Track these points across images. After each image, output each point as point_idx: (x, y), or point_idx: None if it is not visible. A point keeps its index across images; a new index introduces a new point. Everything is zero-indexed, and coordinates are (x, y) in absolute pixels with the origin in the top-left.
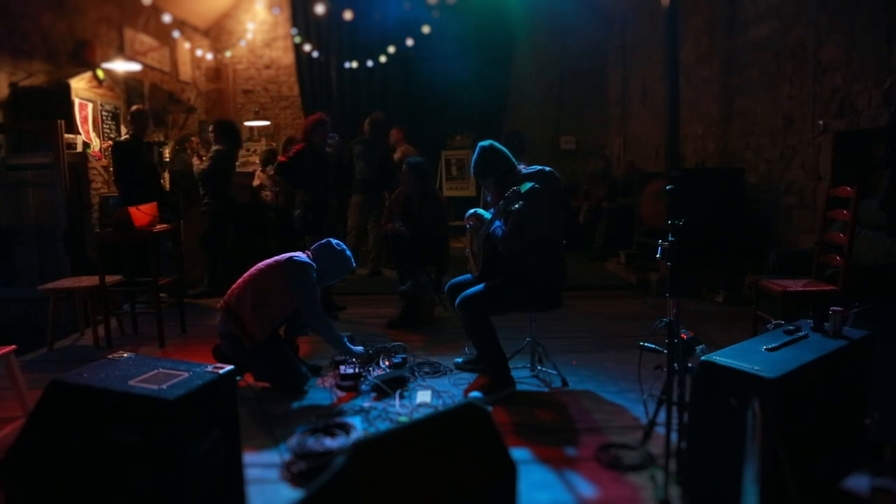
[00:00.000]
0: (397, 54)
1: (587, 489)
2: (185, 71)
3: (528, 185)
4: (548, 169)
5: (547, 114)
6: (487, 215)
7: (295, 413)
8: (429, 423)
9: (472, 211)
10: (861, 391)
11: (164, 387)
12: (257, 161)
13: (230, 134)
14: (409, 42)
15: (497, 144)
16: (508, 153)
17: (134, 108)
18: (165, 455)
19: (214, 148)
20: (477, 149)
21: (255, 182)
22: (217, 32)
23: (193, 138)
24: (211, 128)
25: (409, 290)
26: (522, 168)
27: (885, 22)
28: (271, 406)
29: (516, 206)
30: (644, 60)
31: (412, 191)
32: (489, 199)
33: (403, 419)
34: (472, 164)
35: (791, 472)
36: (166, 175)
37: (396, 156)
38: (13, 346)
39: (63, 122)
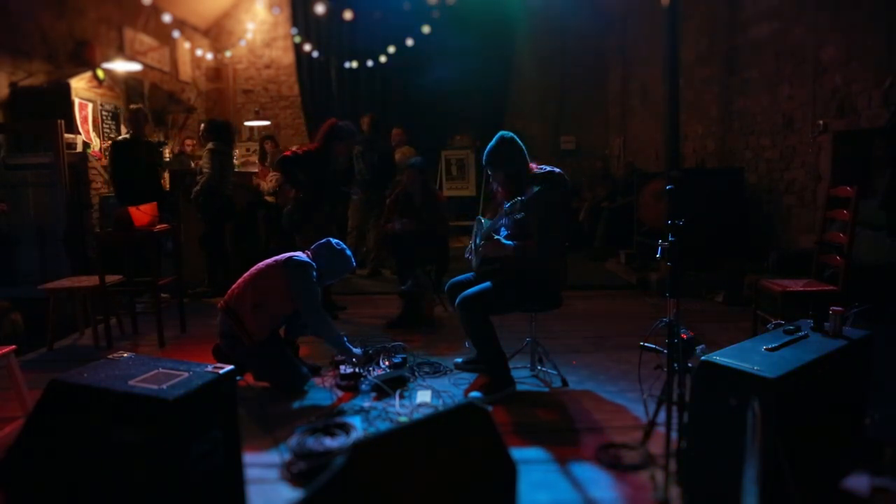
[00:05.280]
0: (397, 54)
1: (587, 489)
2: (185, 71)
3: (535, 188)
4: (557, 171)
5: (547, 114)
6: (486, 222)
7: (295, 413)
8: (429, 423)
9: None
10: (861, 391)
11: (164, 387)
12: (258, 160)
13: (220, 132)
14: (409, 42)
15: (518, 139)
16: (525, 151)
17: (130, 107)
18: (165, 455)
19: (207, 148)
20: (497, 137)
21: (270, 185)
22: (217, 32)
23: (188, 140)
24: (202, 127)
25: (409, 290)
26: (535, 167)
27: (885, 22)
28: (271, 406)
29: (518, 216)
30: (644, 60)
31: (415, 190)
32: (496, 187)
33: (403, 419)
34: (487, 152)
35: (791, 472)
36: (166, 175)
37: (396, 157)
38: (13, 346)
39: (63, 122)
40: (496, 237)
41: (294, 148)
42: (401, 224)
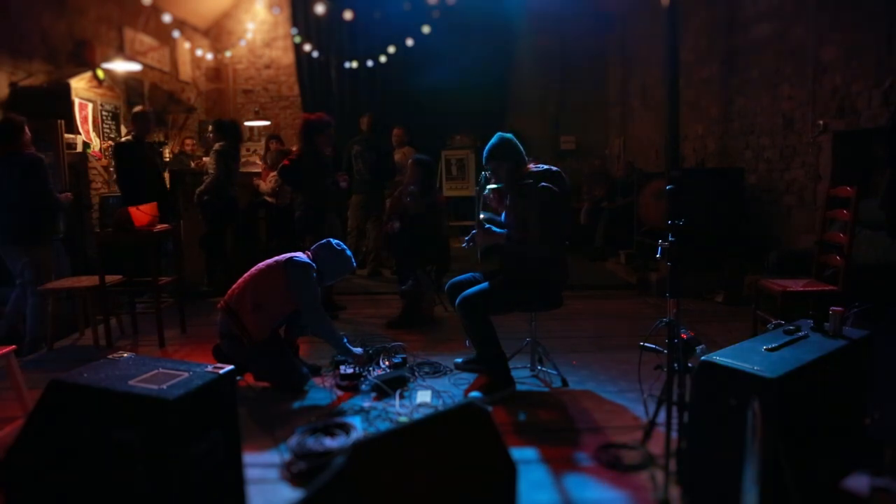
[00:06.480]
0: (397, 54)
1: (587, 489)
2: (185, 71)
3: (530, 181)
4: (555, 169)
5: (547, 114)
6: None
7: (295, 413)
8: (429, 423)
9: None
10: (861, 391)
11: (164, 387)
12: (258, 161)
13: (229, 132)
14: (409, 42)
15: (516, 139)
16: (523, 151)
17: (136, 109)
18: (165, 455)
19: (214, 149)
20: (496, 136)
21: (270, 185)
22: (217, 32)
23: (188, 140)
24: (210, 128)
25: (409, 290)
26: (532, 166)
27: (885, 22)
28: (271, 406)
29: (496, 185)
30: (644, 60)
31: (415, 184)
32: (490, 198)
33: (403, 419)
34: (488, 149)
35: (791, 472)
36: (167, 175)
37: (397, 157)
38: (13, 346)
39: (63, 122)
40: (487, 226)
41: (291, 155)
42: (408, 196)
